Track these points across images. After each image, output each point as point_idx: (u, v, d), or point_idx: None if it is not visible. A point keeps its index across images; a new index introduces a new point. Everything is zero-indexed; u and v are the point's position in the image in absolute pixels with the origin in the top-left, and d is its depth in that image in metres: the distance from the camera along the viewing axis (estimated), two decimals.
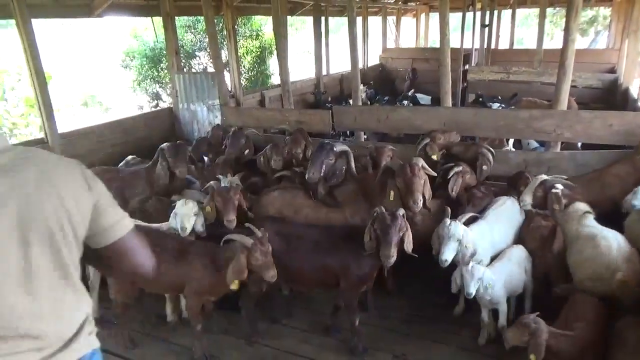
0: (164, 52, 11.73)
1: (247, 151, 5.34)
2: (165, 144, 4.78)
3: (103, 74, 13.69)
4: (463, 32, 9.86)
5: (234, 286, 3.25)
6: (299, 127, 5.45)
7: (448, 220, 3.52)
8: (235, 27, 8.51)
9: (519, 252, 3.77)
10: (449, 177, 4.18)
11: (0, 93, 8.24)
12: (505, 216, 3.96)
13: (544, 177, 4.00)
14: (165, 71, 12.09)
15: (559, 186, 3.85)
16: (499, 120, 4.99)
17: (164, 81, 12.12)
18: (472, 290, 3.34)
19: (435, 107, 6.50)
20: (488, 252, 3.72)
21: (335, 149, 4.12)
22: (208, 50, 12.39)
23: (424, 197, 3.70)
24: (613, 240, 3.39)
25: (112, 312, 4.01)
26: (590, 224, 3.62)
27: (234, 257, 3.22)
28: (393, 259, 3.22)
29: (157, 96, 12.21)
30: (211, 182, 4.21)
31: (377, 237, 3.30)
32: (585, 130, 4.69)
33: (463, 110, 6.00)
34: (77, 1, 5.93)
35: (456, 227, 3.46)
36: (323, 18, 11.10)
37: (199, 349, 3.66)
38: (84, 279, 4.30)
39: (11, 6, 4.83)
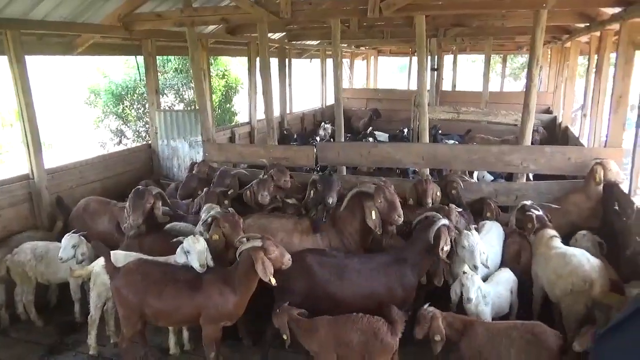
0: (130, 89, 11.80)
1: (230, 191, 5.26)
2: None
3: (65, 112, 13.36)
4: (410, 74, 10.69)
5: (274, 281, 3.38)
6: (277, 162, 5.77)
7: (468, 232, 3.83)
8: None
9: (506, 274, 4.13)
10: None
11: None
12: (494, 241, 4.38)
13: (527, 202, 4.51)
14: (128, 109, 12.04)
15: (534, 211, 4.38)
16: (473, 155, 5.49)
17: (128, 118, 12.01)
18: (473, 295, 3.66)
19: (415, 143, 6.94)
20: (480, 274, 3.99)
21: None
22: (174, 89, 12.50)
23: None
24: (582, 257, 3.81)
25: (119, 347, 3.97)
26: (557, 245, 4.08)
27: (248, 269, 3.43)
28: None
29: (120, 133, 12.04)
30: (212, 211, 4.27)
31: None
32: (547, 163, 5.28)
33: (440, 146, 6.48)
34: (60, 39, 5.99)
35: (477, 236, 3.83)
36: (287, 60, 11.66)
37: None
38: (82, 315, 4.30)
39: (5, 43, 4.85)
